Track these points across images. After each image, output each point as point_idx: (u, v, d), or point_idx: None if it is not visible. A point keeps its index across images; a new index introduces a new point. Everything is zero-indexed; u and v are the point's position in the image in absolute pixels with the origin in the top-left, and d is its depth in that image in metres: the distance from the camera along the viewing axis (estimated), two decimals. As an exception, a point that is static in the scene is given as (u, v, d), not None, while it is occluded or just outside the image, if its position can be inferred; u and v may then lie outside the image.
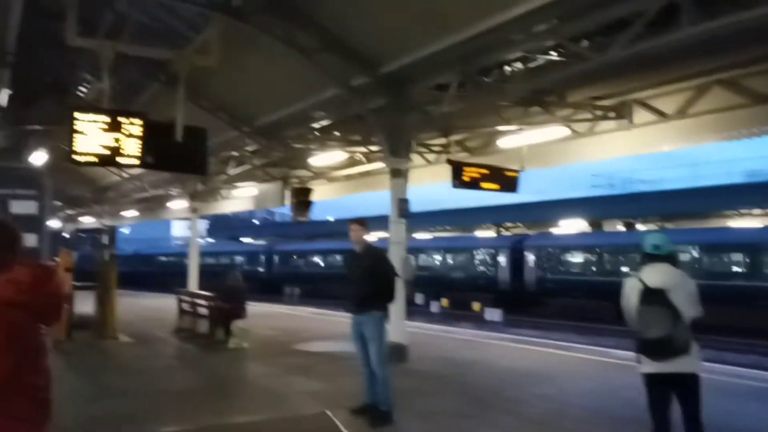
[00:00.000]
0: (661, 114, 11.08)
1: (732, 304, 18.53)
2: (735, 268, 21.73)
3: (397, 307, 9.55)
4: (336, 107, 12.83)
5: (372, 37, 10.15)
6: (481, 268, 29.95)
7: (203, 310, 13.19)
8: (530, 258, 27.69)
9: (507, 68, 10.28)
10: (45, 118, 17.97)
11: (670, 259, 4.71)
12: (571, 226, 31.74)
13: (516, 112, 12.13)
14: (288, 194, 17.56)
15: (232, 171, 18.38)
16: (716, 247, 22.17)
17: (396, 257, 10.08)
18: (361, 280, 6.66)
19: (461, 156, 14.47)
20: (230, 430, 6.52)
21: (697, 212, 28.00)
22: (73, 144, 8.35)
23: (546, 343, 13.59)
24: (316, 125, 14.24)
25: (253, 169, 17.79)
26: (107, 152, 8.49)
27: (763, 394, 8.47)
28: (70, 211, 34.89)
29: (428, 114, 11.40)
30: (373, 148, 14.32)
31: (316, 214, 20.77)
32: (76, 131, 8.33)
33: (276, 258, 41.89)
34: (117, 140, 8.49)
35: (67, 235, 39.30)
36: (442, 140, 14.00)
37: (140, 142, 8.62)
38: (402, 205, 10.97)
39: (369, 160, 16.07)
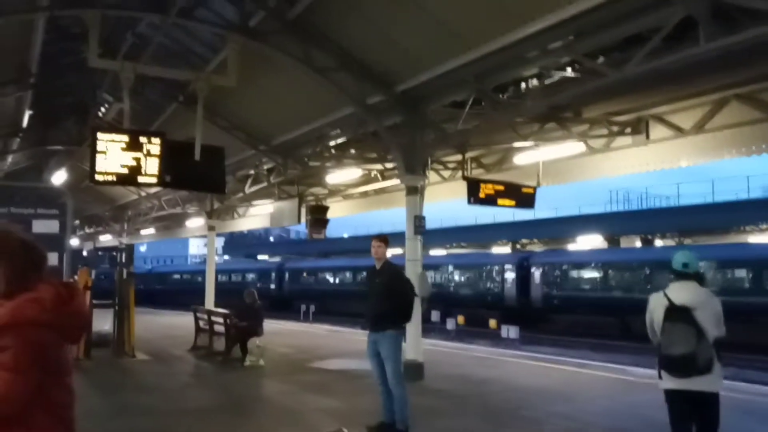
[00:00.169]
0: (679, 129, 11.01)
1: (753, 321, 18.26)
2: (753, 285, 21.42)
3: (413, 325, 9.51)
4: (352, 125, 12.91)
5: (388, 55, 10.22)
6: (489, 284, 30.10)
7: (220, 328, 13.22)
8: (537, 275, 27.82)
9: (523, 85, 10.30)
10: (66, 139, 18.23)
11: (698, 277, 4.73)
12: (588, 242, 31.51)
13: (532, 128, 12.12)
14: (304, 212, 17.61)
15: (249, 189, 18.50)
16: (734, 263, 21.89)
17: (412, 274, 10.07)
18: (378, 298, 6.62)
19: (477, 172, 14.47)
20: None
21: (715, 228, 27.69)
22: (95, 164, 8.46)
23: (563, 361, 13.46)
24: (332, 143, 14.33)
25: (270, 186, 17.89)
26: (127, 171, 8.61)
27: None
28: (88, 230, 35.25)
29: (444, 131, 11.42)
30: (389, 165, 14.35)
31: (331, 231, 20.78)
32: (98, 151, 8.45)
33: (287, 275, 42.17)
34: (137, 159, 8.61)
35: (85, 254, 39.66)
36: (458, 157, 13.99)
37: (159, 161, 8.73)
38: (418, 222, 10.96)
39: (384, 178, 16.10)
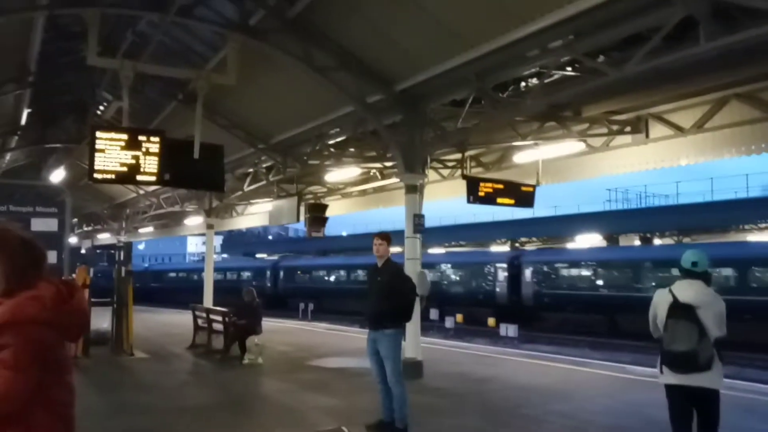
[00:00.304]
0: (678, 128, 11.02)
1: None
2: (752, 284, 21.44)
3: (412, 323, 9.51)
4: (351, 124, 12.90)
5: (388, 54, 10.21)
6: (481, 283, 30.28)
7: (219, 326, 13.22)
8: (528, 273, 28.05)
9: (523, 84, 10.30)
10: (65, 137, 18.21)
11: (704, 277, 4.75)
12: (587, 240, 31.54)
13: (531, 127, 12.12)
14: (303, 210, 17.60)
15: (248, 187, 18.49)
16: (732, 262, 21.90)
17: (411, 273, 10.06)
18: (378, 296, 6.60)
19: (477, 171, 14.47)
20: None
21: (714, 226, 27.71)
22: (94, 162, 8.44)
23: (561, 359, 13.48)
24: (331, 141, 14.32)
25: (269, 185, 17.89)
26: (126, 170, 8.60)
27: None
28: (86, 228, 35.24)
29: (443, 130, 11.42)
30: (388, 163, 14.35)
31: (330, 229, 20.79)
32: (97, 149, 8.44)
33: (281, 274, 42.40)
34: (136, 158, 8.60)
35: (83, 252, 39.64)
36: (458, 155, 13.99)
37: (158, 159, 8.72)
38: (417, 220, 10.96)
39: (384, 176, 16.11)
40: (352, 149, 14.33)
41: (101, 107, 15.74)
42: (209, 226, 22.31)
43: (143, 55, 10.84)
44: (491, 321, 24.23)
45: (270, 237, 79.95)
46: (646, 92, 10.50)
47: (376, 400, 6.82)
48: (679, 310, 4.57)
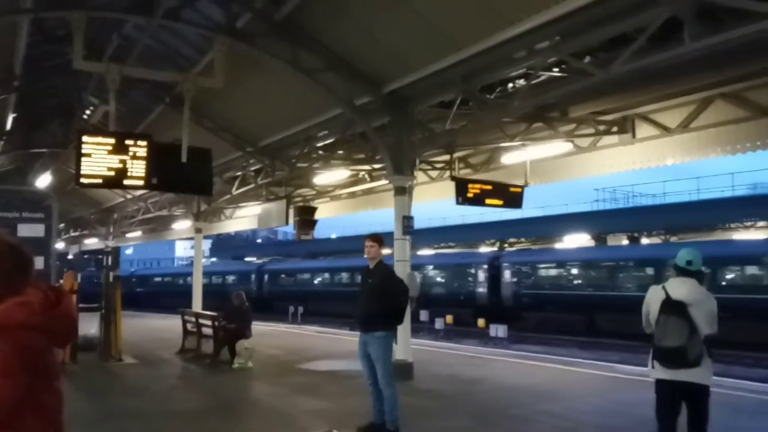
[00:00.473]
0: (664, 128, 11.12)
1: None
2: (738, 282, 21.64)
3: (403, 325, 9.52)
4: (340, 126, 12.91)
5: (375, 56, 10.22)
6: (461, 283, 30.57)
7: (208, 331, 13.16)
8: (507, 273, 28.38)
9: (510, 85, 10.35)
10: (51, 141, 18.08)
11: (698, 275, 4.84)
12: (575, 240, 31.71)
13: (519, 128, 12.19)
14: (292, 213, 17.58)
15: (236, 191, 18.44)
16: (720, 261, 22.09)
17: (401, 274, 10.06)
18: (368, 298, 6.56)
19: (465, 172, 14.53)
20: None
21: (701, 225, 27.95)
22: (80, 166, 8.39)
23: (551, 359, 13.51)
24: (319, 144, 14.31)
25: (257, 188, 17.86)
26: (113, 174, 8.55)
27: (773, 409, 8.40)
28: (74, 233, 35.00)
29: (432, 131, 11.45)
30: (377, 165, 14.37)
31: (319, 232, 20.80)
32: (83, 154, 8.38)
33: (266, 277, 42.52)
34: (123, 162, 8.54)
35: (71, 257, 39.38)
36: (446, 157, 14.04)
37: (146, 163, 8.67)
38: (406, 222, 10.97)
39: (372, 178, 16.12)
40: (340, 151, 14.33)
41: (87, 111, 15.65)
42: (197, 230, 22.21)
43: (130, 59, 10.80)
44: (481, 322, 24.30)
45: (259, 240, 79.76)
46: (633, 92, 10.59)
47: (366, 402, 6.81)
48: (671, 307, 4.66)
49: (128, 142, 8.67)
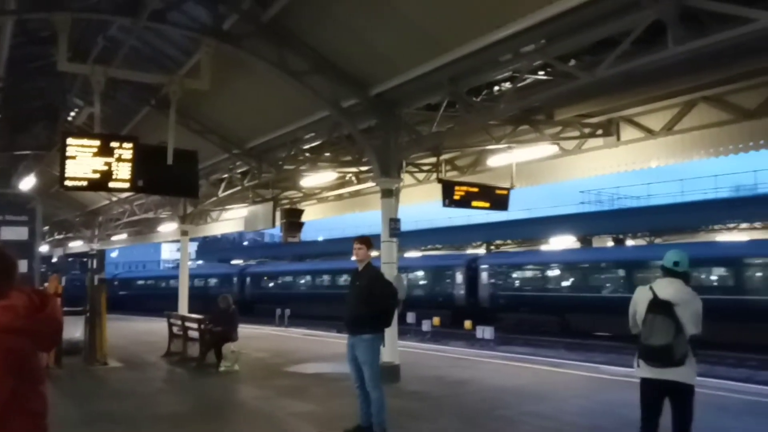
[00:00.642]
0: (649, 131, 11.22)
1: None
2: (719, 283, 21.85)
3: (389, 327, 9.53)
4: (327, 128, 12.90)
5: (362, 59, 10.24)
6: (440, 285, 31.02)
7: (194, 334, 13.09)
8: (484, 275, 28.89)
9: (496, 88, 10.39)
10: (35, 143, 17.92)
11: (684, 276, 4.94)
12: (561, 242, 31.91)
13: (505, 130, 12.24)
14: (279, 215, 17.54)
15: (222, 193, 18.37)
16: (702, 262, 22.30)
17: (387, 276, 10.06)
18: (356, 301, 6.55)
19: (451, 175, 14.57)
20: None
21: (685, 227, 28.21)
22: (65, 169, 8.32)
23: (537, 360, 13.59)
24: (306, 146, 14.30)
25: (243, 190, 17.80)
26: (98, 177, 8.48)
27: (755, 408, 8.49)
28: (58, 236, 34.71)
29: (418, 134, 11.48)
30: (364, 168, 14.37)
31: (306, 234, 20.76)
32: (68, 156, 8.31)
33: (248, 280, 42.69)
34: (108, 164, 8.49)
35: (55, 260, 39.05)
36: (433, 159, 14.08)
37: (131, 165, 8.62)
38: (393, 224, 10.99)
39: (359, 180, 16.12)
40: (327, 154, 14.32)
41: (72, 113, 15.52)
42: (183, 233, 22.09)
43: (115, 60, 10.73)
44: (467, 323, 24.42)
45: (245, 243, 79.43)
46: (617, 95, 10.66)
47: (353, 405, 6.81)
48: (658, 306, 4.75)
49: (113, 144, 8.61)
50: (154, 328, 18.92)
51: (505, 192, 12.96)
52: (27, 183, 20.27)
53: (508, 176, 13.06)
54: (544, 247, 33.01)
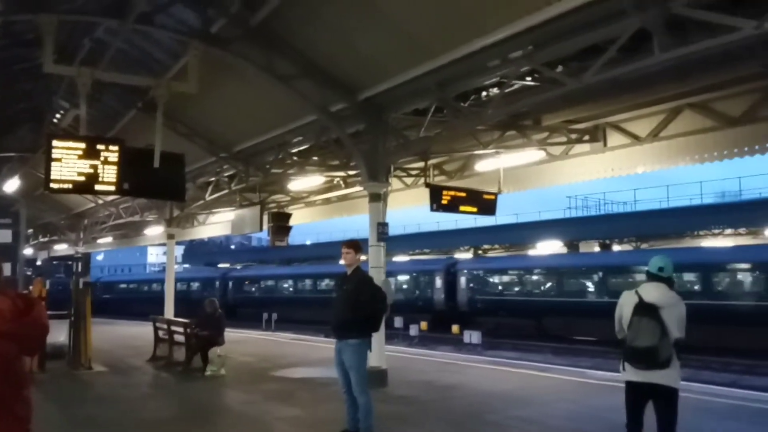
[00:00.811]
0: (635, 137, 11.31)
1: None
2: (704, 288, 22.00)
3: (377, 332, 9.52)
4: (315, 132, 12.90)
5: (351, 63, 10.24)
6: (419, 290, 31.21)
7: (180, 338, 13.01)
8: (462, 280, 29.13)
9: (484, 93, 10.44)
10: (20, 146, 17.77)
11: (669, 281, 5.02)
12: (548, 247, 32.07)
13: (493, 136, 12.30)
14: (266, 219, 17.48)
15: (209, 196, 18.29)
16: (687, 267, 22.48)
17: (375, 280, 10.06)
18: (343, 305, 6.50)
19: (439, 179, 14.59)
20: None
21: (670, 232, 28.44)
22: (50, 171, 8.25)
23: (525, 365, 13.62)
24: (294, 150, 14.28)
25: (231, 194, 17.73)
26: (84, 179, 8.42)
27: (739, 413, 8.55)
28: (42, 239, 34.38)
29: (406, 138, 11.49)
30: (352, 172, 14.37)
31: (294, 238, 20.71)
32: (53, 158, 8.24)
33: (230, 284, 42.75)
34: (94, 167, 8.42)
35: (39, 263, 38.68)
36: (421, 164, 14.10)
37: (117, 168, 8.56)
38: (381, 228, 10.99)
39: (347, 185, 16.11)
40: (315, 158, 14.31)
41: (58, 115, 15.41)
42: (170, 236, 21.96)
43: (102, 63, 10.66)
44: (455, 328, 24.46)
45: (232, 246, 79.16)
46: (604, 102, 10.76)
47: (340, 409, 6.80)
48: (644, 309, 4.83)
49: (99, 146, 8.55)
50: (140, 332, 18.78)
51: (492, 197, 13.01)
52: (11, 185, 20.07)
53: (496, 181, 13.12)
54: (530, 252, 33.14)
